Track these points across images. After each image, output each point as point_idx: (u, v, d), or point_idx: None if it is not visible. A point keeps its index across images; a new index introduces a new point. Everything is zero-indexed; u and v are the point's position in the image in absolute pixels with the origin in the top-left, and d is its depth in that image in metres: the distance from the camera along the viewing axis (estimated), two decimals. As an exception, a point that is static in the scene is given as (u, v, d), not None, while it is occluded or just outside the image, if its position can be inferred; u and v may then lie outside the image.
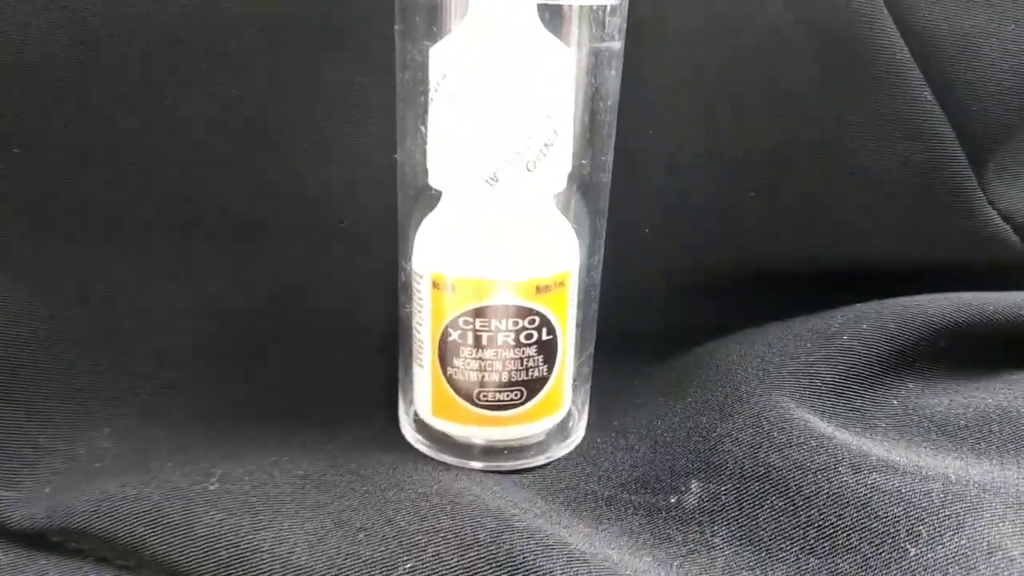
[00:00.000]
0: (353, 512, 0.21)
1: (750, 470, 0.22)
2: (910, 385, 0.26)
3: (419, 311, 0.24)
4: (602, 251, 0.25)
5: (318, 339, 0.27)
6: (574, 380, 0.26)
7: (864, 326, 0.26)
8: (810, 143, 0.27)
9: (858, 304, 0.27)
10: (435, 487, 0.22)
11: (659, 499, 0.22)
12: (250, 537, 0.20)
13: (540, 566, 0.19)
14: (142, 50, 0.23)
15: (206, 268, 0.26)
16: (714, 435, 0.23)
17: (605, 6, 0.22)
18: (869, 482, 0.21)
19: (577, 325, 0.25)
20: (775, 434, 0.22)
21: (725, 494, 0.22)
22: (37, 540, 0.22)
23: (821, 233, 0.28)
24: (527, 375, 0.24)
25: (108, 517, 0.21)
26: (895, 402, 0.25)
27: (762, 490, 0.21)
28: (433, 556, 0.19)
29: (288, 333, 0.27)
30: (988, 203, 0.29)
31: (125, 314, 0.26)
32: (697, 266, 0.28)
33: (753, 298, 0.28)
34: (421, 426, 0.26)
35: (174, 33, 0.23)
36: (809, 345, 0.26)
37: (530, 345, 0.24)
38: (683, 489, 0.22)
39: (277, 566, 0.19)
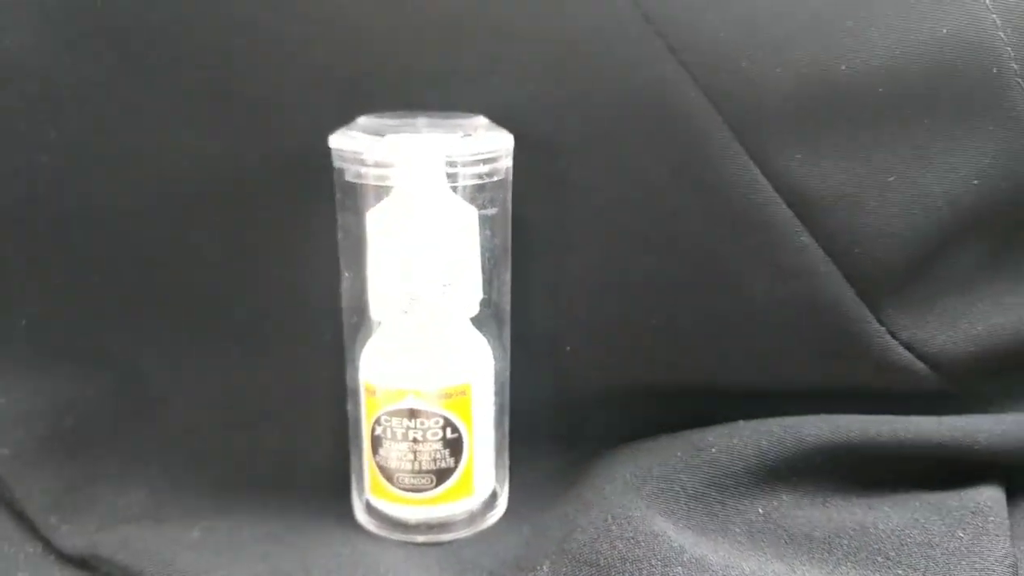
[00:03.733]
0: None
1: (586, 557, 0.26)
2: (783, 497, 0.29)
3: (359, 409, 0.31)
4: (508, 362, 0.31)
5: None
6: (496, 469, 0.31)
7: (734, 441, 0.30)
8: (700, 279, 0.31)
9: (740, 421, 0.31)
10: (345, 548, 0.29)
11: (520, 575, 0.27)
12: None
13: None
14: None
15: (215, 361, 0.34)
16: (573, 524, 0.28)
17: (489, 183, 0.29)
18: (671, 573, 0.25)
19: (496, 425, 0.31)
20: (614, 528, 0.27)
21: (564, 575, 0.26)
22: (81, 563, 0.30)
23: (718, 357, 0.32)
24: (435, 465, 0.30)
25: (129, 552, 0.29)
26: (760, 511, 0.29)
27: (589, 575, 0.26)
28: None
29: (277, 423, 0.35)
30: (889, 334, 0.32)
31: (160, 397, 0.34)
32: (607, 381, 0.33)
33: (658, 412, 0.33)
34: (368, 507, 0.32)
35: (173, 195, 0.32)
36: (680, 454, 0.30)
37: (436, 441, 0.30)
38: (536, 569, 0.27)
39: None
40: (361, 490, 0.32)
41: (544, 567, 0.27)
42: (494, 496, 0.32)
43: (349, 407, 0.32)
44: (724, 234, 0.31)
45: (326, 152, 0.30)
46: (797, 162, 0.30)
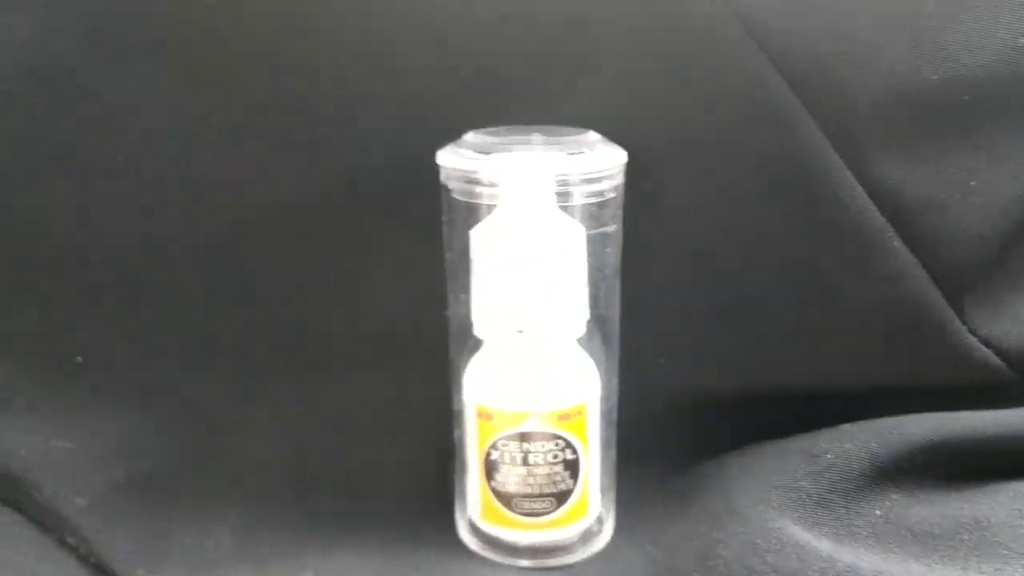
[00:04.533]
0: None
1: (736, 572, 0.26)
2: (894, 497, 0.30)
3: (467, 433, 0.30)
4: (616, 381, 0.31)
5: (384, 455, 0.33)
6: (602, 489, 0.31)
7: (847, 445, 0.30)
8: (794, 289, 0.32)
9: (844, 424, 0.31)
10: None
11: (663, 594, 0.27)
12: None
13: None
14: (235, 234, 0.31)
15: (292, 398, 0.33)
16: (710, 540, 0.28)
17: (602, 201, 0.28)
18: (831, 584, 0.25)
19: (602, 444, 0.31)
20: (758, 540, 0.27)
21: (715, 592, 0.26)
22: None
23: (811, 362, 0.33)
24: (555, 488, 0.29)
25: None
26: (878, 512, 0.29)
27: (744, 589, 0.26)
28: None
29: (359, 450, 0.33)
30: (970, 332, 0.33)
31: (233, 433, 0.33)
32: (702, 393, 0.33)
33: (754, 418, 0.33)
34: (474, 529, 0.31)
35: (245, 217, 0.30)
36: (796, 462, 0.30)
37: (557, 463, 0.29)
38: (682, 586, 0.27)
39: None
40: (466, 515, 0.31)
41: (689, 584, 0.27)
42: (600, 517, 0.32)
43: (455, 431, 0.31)
44: (819, 242, 0.31)
45: (413, 167, 0.29)
46: (890, 169, 0.31)
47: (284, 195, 0.30)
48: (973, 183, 0.32)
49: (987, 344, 0.33)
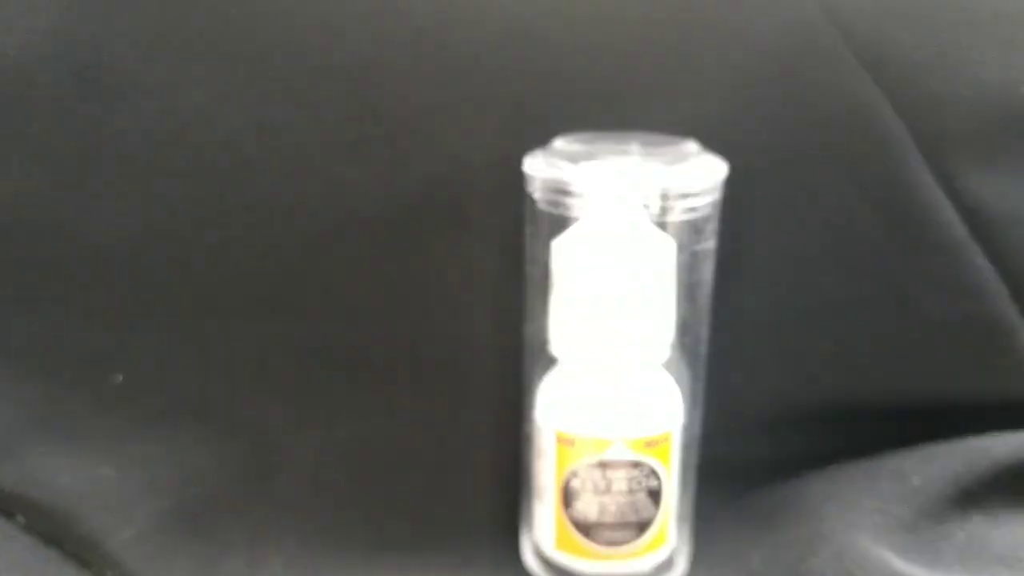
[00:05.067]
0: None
1: (835, 603, 0.25)
2: (975, 519, 0.29)
3: (543, 458, 0.29)
4: (701, 408, 0.29)
5: (451, 475, 0.32)
6: (678, 518, 0.30)
7: (934, 467, 0.29)
8: (876, 301, 0.31)
9: (928, 445, 0.31)
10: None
11: (757, 628, 0.26)
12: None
13: None
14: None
15: (353, 413, 0.31)
16: (802, 568, 0.27)
17: (701, 217, 0.27)
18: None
19: (681, 470, 0.29)
20: (855, 571, 0.26)
21: (815, 626, 0.25)
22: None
23: (889, 377, 0.32)
24: (637, 516, 0.28)
25: None
26: (961, 535, 0.29)
27: (844, 624, 0.25)
28: None
29: (419, 473, 0.31)
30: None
31: (288, 456, 0.31)
32: (781, 407, 0.32)
33: (833, 438, 0.32)
34: (541, 556, 0.30)
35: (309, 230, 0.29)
36: (885, 485, 0.29)
37: (640, 491, 0.28)
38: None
39: None
40: (533, 543, 0.30)
41: (786, 618, 0.26)
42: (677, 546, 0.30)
43: (525, 455, 0.29)
44: (905, 254, 0.30)
45: (494, 175, 0.27)
46: (976, 182, 0.30)
47: (354, 205, 0.28)
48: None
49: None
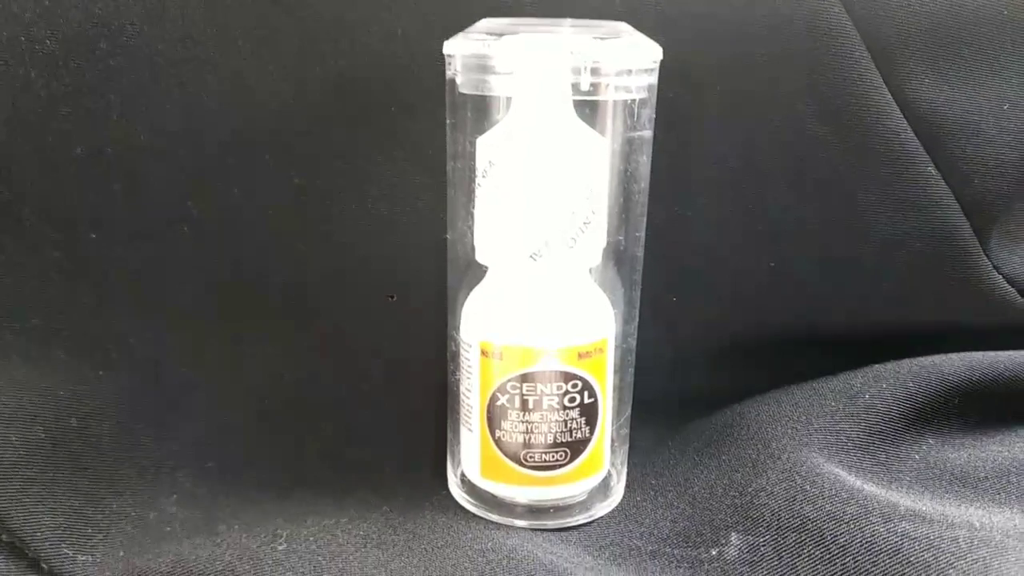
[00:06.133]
0: (414, 569, 0.23)
1: (786, 521, 0.23)
2: (930, 441, 0.28)
3: (468, 378, 0.26)
4: (637, 319, 0.27)
5: (368, 408, 0.29)
6: (613, 442, 0.27)
7: (884, 385, 0.28)
8: (825, 217, 0.29)
9: (876, 365, 0.29)
10: (489, 544, 0.24)
11: (700, 552, 0.24)
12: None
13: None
14: (218, 146, 0.26)
15: (260, 344, 0.28)
16: (750, 490, 0.25)
17: (636, 100, 0.25)
18: (899, 530, 0.22)
19: (615, 389, 0.27)
20: (807, 487, 0.24)
21: (763, 545, 0.23)
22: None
23: (836, 299, 0.30)
24: (571, 436, 0.26)
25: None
26: (917, 456, 0.27)
27: (799, 540, 0.23)
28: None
29: (338, 402, 0.29)
30: (993, 268, 0.31)
31: (189, 389, 0.28)
32: (722, 333, 0.30)
33: (775, 362, 0.30)
34: (469, 487, 0.27)
35: (244, 133, 0.26)
36: (833, 404, 0.27)
37: (573, 408, 0.25)
38: (723, 542, 0.23)
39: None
40: (459, 471, 0.27)
41: (732, 538, 0.23)
42: (611, 471, 0.28)
43: (450, 376, 0.27)
44: (855, 166, 0.29)
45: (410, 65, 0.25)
46: (926, 87, 0.29)
47: (259, 108, 0.26)
48: (1006, 107, 0.30)
49: (1011, 283, 0.31)
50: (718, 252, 0.29)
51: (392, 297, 0.28)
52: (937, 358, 0.29)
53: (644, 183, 0.25)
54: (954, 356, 0.29)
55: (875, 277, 0.30)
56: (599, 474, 0.27)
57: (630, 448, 0.28)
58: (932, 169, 0.29)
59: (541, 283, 0.25)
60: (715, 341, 0.30)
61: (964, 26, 0.29)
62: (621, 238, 0.26)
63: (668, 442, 0.29)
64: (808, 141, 0.28)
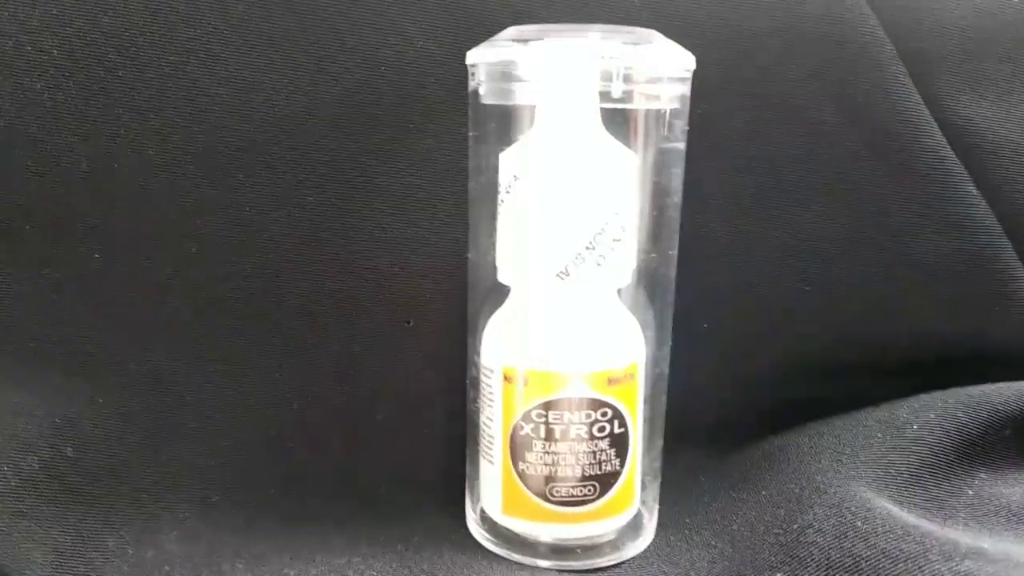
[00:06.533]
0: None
1: (837, 560, 0.21)
2: (982, 475, 0.26)
3: (489, 406, 0.24)
4: (669, 343, 0.25)
5: (382, 438, 0.27)
6: (644, 476, 0.26)
7: (931, 416, 0.26)
8: (858, 236, 0.28)
9: (921, 394, 0.27)
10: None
11: (743, 594, 0.22)
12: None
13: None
14: (224, 156, 0.25)
15: (269, 369, 0.26)
16: (795, 527, 0.23)
17: (667, 110, 0.23)
18: (962, 569, 0.20)
19: (646, 419, 0.25)
20: (859, 523, 0.22)
21: (813, 586, 0.21)
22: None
23: (874, 322, 0.28)
24: (600, 469, 0.24)
25: None
26: (970, 492, 0.25)
27: (850, 581, 0.21)
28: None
29: (352, 433, 0.27)
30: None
31: (190, 417, 0.26)
32: (753, 359, 0.29)
33: (810, 388, 0.28)
34: (490, 524, 0.25)
35: (255, 148, 0.25)
36: (880, 436, 0.26)
37: (603, 438, 0.24)
38: (767, 583, 0.22)
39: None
40: (478, 507, 0.25)
41: (777, 580, 0.22)
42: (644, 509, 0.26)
43: (471, 403, 0.25)
44: (893, 184, 0.27)
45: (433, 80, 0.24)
46: (964, 104, 0.28)
47: (269, 120, 0.25)
48: (1048, 125, 0.29)
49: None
50: (746, 273, 0.28)
51: (409, 323, 0.27)
52: (985, 388, 0.27)
53: (677, 197, 0.24)
54: (1002, 385, 0.27)
55: (912, 298, 0.28)
56: (630, 510, 0.25)
57: (661, 483, 0.26)
58: (972, 188, 0.28)
59: (568, 304, 0.24)
60: (744, 368, 0.29)
61: (1002, 43, 0.28)
62: (655, 255, 0.24)
63: (700, 477, 0.27)
64: (839, 159, 0.27)
